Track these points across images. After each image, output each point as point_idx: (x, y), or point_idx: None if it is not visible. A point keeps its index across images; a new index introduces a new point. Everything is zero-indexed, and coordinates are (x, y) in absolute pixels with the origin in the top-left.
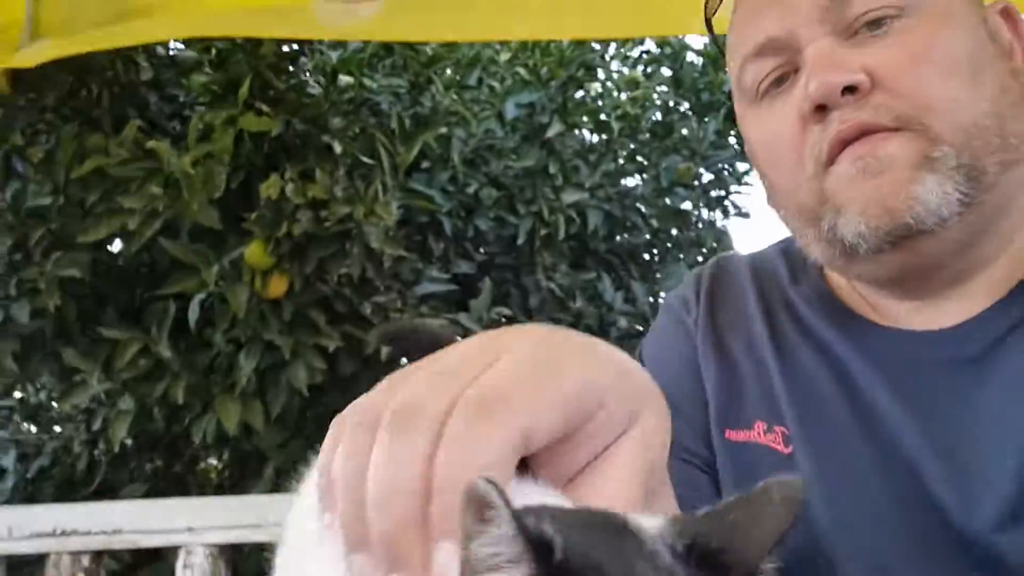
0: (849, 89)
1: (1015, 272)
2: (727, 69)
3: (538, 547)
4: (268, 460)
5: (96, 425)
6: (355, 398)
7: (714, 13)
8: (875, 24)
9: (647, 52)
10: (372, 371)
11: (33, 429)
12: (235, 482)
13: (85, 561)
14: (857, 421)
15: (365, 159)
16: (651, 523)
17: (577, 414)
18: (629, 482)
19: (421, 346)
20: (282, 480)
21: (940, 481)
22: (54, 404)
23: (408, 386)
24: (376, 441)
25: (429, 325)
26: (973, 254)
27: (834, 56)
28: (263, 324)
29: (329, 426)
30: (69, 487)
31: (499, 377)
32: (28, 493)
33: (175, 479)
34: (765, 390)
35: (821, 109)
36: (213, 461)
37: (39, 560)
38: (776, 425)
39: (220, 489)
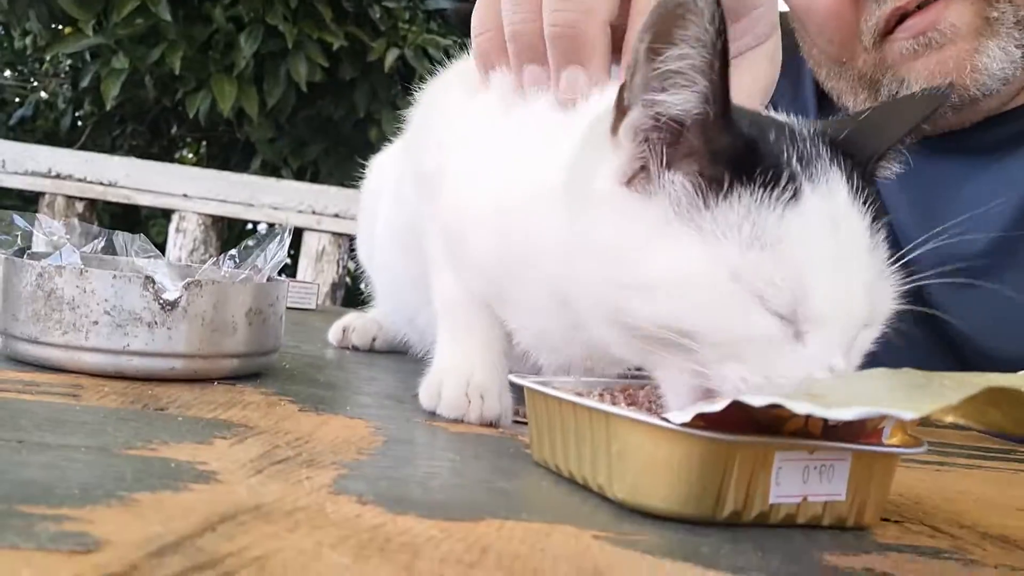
0: None
1: None
2: None
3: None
4: (256, 152)
5: (84, 83)
6: (352, 108)
7: None
8: None
9: None
10: (371, 80)
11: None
12: (219, 156)
13: (79, 207)
14: None
15: None
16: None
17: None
18: (760, 82)
19: None
20: (266, 176)
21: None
22: (42, 57)
23: None
24: None
25: None
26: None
27: None
28: (268, 6)
29: (321, 137)
30: (50, 143)
31: None
32: (9, 140)
33: (154, 158)
34: None
35: None
36: (190, 154)
37: (34, 199)
38: None
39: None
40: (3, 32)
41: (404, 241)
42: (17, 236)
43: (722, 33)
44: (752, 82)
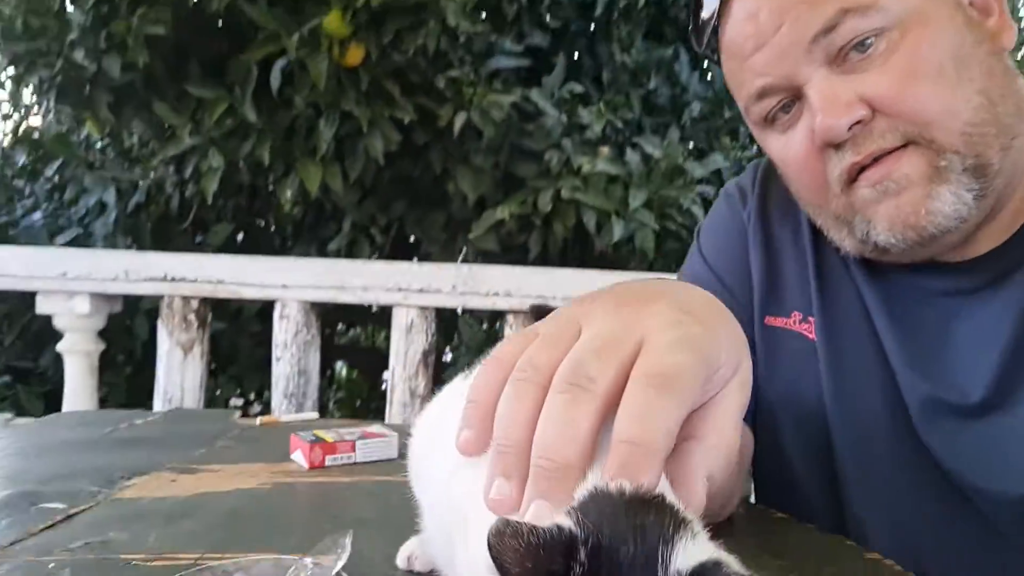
0: (854, 123)
1: (1019, 217)
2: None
3: None
4: (346, 214)
5: (187, 173)
6: (428, 167)
7: (703, 47)
8: (861, 45)
9: None
10: (443, 142)
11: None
12: (312, 228)
13: (195, 304)
14: (864, 330)
15: None
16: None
17: (709, 381)
18: (733, 422)
19: None
20: (357, 235)
21: (909, 389)
22: (148, 150)
23: (572, 351)
24: (549, 403)
25: None
26: (989, 221)
27: (834, 93)
28: (341, 92)
29: (403, 195)
30: (164, 223)
31: (661, 357)
32: (129, 227)
33: (256, 226)
34: (803, 282)
35: (831, 144)
36: (290, 211)
37: (151, 314)
38: (810, 316)
39: (298, 233)
40: (113, 137)
41: None
42: None
43: None
44: (728, 409)
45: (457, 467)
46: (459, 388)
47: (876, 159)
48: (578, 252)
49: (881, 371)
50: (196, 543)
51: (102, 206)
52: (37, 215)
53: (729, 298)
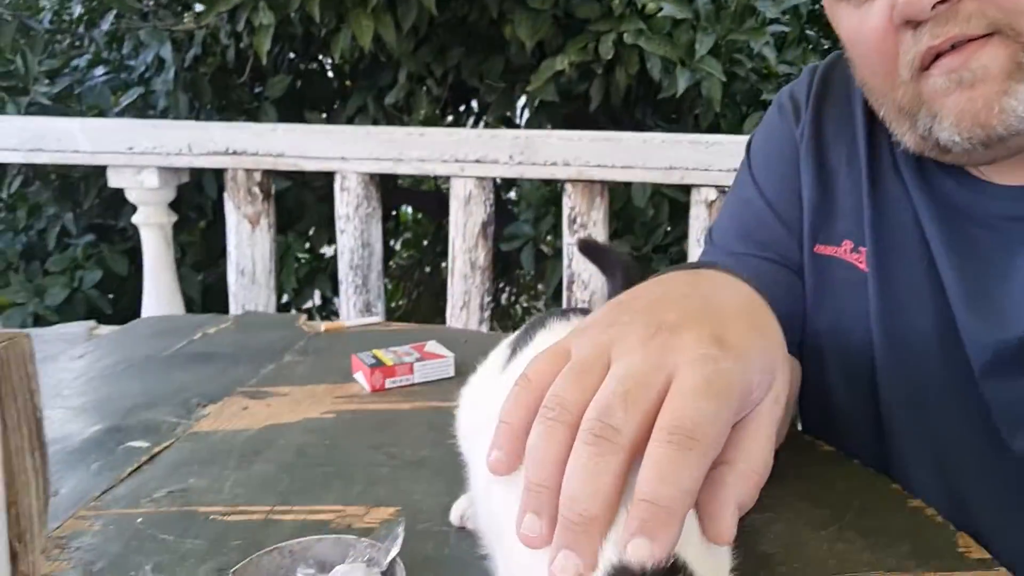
0: (940, 1)
1: None
2: None
3: None
4: (401, 65)
5: (240, 25)
6: (484, 10)
7: None
8: None
9: None
10: None
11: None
12: (368, 73)
13: (258, 176)
14: (920, 260)
15: None
16: None
17: (738, 412)
18: (765, 441)
19: (610, 265)
20: (414, 87)
21: (966, 324)
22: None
23: (600, 391)
24: (576, 452)
25: (619, 251)
26: None
27: None
28: None
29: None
30: (222, 75)
31: (686, 407)
32: (187, 82)
33: (312, 71)
34: (856, 208)
35: (912, 21)
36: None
37: (219, 174)
38: (861, 245)
39: (355, 76)
40: None
41: None
42: None
43: None
44: (761, 427)
45: (491, 481)
46: (502, 367)
47: (955, 46)
48: (642, 93)
49: (937, 309)
50: (267, 491)
51: (160, 62)
52: (99, 70)
53: (779, 225)
